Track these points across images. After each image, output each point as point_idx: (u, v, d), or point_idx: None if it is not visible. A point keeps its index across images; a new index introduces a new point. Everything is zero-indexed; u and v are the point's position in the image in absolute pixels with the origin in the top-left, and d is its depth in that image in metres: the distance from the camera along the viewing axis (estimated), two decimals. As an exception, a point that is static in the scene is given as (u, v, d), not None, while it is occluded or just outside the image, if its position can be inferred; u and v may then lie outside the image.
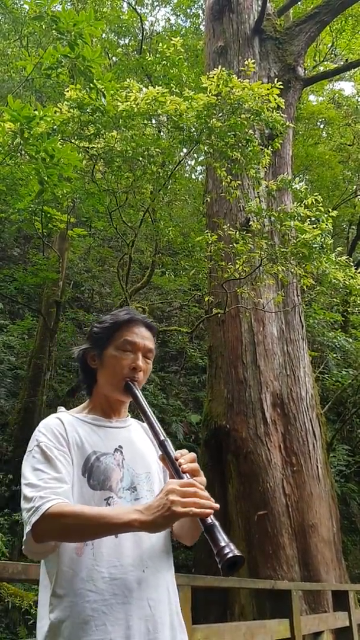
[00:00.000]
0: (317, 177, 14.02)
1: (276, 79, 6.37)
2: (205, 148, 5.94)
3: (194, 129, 5.71)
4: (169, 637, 1.33)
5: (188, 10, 15.06)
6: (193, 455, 1.34)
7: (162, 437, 1.37)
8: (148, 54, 11.01)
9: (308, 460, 6.07)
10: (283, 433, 6.19)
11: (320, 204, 5.91)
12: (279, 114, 5.98)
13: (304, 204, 5.96)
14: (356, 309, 10.71)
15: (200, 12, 14.57)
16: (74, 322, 11.53)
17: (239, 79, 5.82)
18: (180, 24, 15.60)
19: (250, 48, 8.56)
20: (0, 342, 9.96)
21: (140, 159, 5.72)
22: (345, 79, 16.47)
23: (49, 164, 4.60)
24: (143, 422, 1.55)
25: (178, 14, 15.53)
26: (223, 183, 6.35)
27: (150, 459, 1.52)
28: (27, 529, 1.25)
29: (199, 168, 15.42)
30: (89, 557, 1.31)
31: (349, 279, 6.24)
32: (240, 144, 5.86)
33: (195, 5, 14.78)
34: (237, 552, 1.14)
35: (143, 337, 1.56)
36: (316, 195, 6.04)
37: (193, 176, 15.92)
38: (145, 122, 5.87)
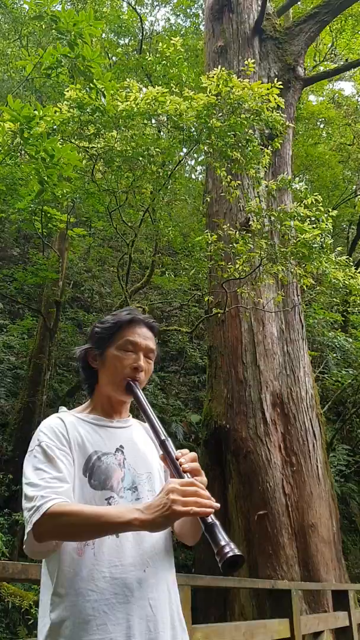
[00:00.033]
0: (317, 177, 14.03)
1: (276, 79, 6.36)
2: (205, 148, 5.94)
3: (194, 129, 5.72)
4: (170, 636, 1.33)
5: (188, 10, 15.07)
6: (194, 454, 1.34)
7: (163, 437, 1.38)
8: (148, 53, 11.01)
9: (308, 460, 6.07)
10: (283, 433, 6.20)
11: (320, 204, 5.91)
12: (278, 114, 5.99)
13: (304, 203, 5.96)
14: (356, 308, 10.73)
15: (200, 12, 14.58)
16: (74, 322, 11.53)
17: (239, 79, 5.82)
18: (180, 24, 15.62)
19: (250, 48, 8.56)
20: (0, 342, 9.96)
21: (140, 158, 5.72)
22: (345, 79, 16.48)
23: (49, 163, 4.60)
24: (144, 422, 1.55)
25: (178, 13, 15.54)
26: (223, 183, 6.34)
27: (151, 459, 1.52)
28: (28, 528, 1.25)
29: (199, 168, 15.44)
30: (90, 556, 1.31)
31: (349, 279, 6.24)
32: (240, 144, 5.86)
33: (195, 5, 14.79)
34: (237, 552, 1.14)
35: (145, 337, 1.57)
36: (316, 195, 6.04)
37: (193, 176, 15.94)
38: (145, 122, 5.86)
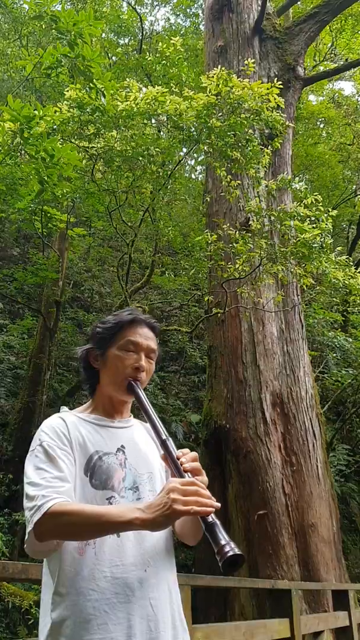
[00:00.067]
0: (316, 176, 14.03)
1: (276, 79, 6.36)
2: (205, 148, 5.94)
3: (193, 129, 5.72)
4: (171, 636, 1.33)
5: (188, 10, 15.07)
6: (195, 454, 1.34)
7: (164, 437, 1.38)
8: (148, 53, 11.01)
9: (308, 460, 6.07)
10: (283, 433, 6.20)
11: (320, 204, 5.91)
12: (278, 114, 5.99)
13: (304, 203, 5.96)
14: (356, 308, 10.73)
15: (200, 11, 14.58)
16: (74, 322, 11.53)
17: (239, 79, 5.82)
18: (180, 24, 15.63)
19: (250, 48, 8.56)
20: (0, 342, 9.96)
21: (140, 158, 5.72)
22: (345, 79, 16.47)
23: (49, 163, 4.60)
24: (145, 422, 1.55)
25: (178, 13, 15.55)
26: (223, 183, 6.35)
27: (152, 459, 1.53)
28: (29, 527, 1.25)
29: (199, 168, 15.43)
30: (91, 556, 1.31)
31: (349, 279, 6.24)
32: (240, 144, 5.86)
33: (195, 5, 14.79)
34: (237, 551, 1.14)
35: (146, 337, 1.57)
36: (316, 195, 6.04)
37: (193, 176, 15.94)
38: (145, 121, 5.86)
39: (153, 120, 6.49)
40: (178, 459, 1.31)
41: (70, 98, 5.38)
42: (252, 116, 5.75)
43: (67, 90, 5.46)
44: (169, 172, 6.48)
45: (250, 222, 6.39)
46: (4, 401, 9.09)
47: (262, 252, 6.03)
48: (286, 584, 4.28)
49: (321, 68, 13.69)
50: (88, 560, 1.30)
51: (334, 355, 10.27)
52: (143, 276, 9.55)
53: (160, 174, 6.35)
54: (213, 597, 5.72)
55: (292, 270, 6.36)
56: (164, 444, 1.37)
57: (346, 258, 6.42)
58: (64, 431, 1.44)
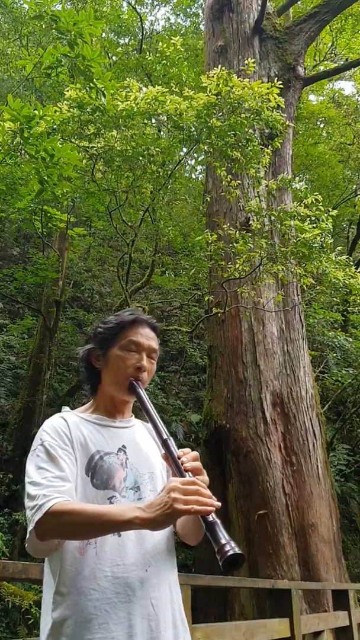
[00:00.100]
0: (317, 176, 14.03)
1: (276, 79, 6.36)
2: (205, 147, 5.94)
3: (194, 129, 5.72)
4: (172, 635, 1.34)
5: (188, 10, 15.07)
6: (196, 454, 1.35)
7: (165, 436, 1.38)
8: (148, 53, 11.01)
9: (308, 460, 6.07)
10: (283, 432, 6.20)
11: (320, 204, 5.91)
12: (278, 114, 5.98)
13: (304, 203, 5.96)
14: (356, 308, 10.73)
15: (200, 11, 14.58)
16: (74, 322, 11.53)
17: (239, 79, 5.82)
18: (180, 24, 15.63)
19: (250, 47, 8.56)
20: (0, 341, 9.96)
21: (140, 158, 5.72)
22: (345, 79, 16.47)
23: (49, 163, 4.60)
24: (146, 422, 1.55)
25: (178, 13, 15.54)
26: (223, 182, 6.34)
27: (153, 459, 1.53)
28: (31, 526, 1.25)
29: (199, 168, 15.42)
30: (92, 556, 1.31)
31: (349, 279, 6.24)
32: (240, 144, 5.86)
33: (195, 5, 14.79)
34: (237, 550, 1.14)
35: (148, 337, 1.58)
36: (316, 195, 6.04)
37: (193, 176, 15.92)
38: (145, 121, 5.86)
39: (153, 120, 6.48)
40: (179, 459, 1.32)
41: (70, 98, 5.38)
42: (252, 116, 5.75)
43: (67, 90, 5.46)
44: (169, 172, 6.48)
45: (251, 222, 6.39)
46: (4, 401, 9.09)
47: (262, 252, 6.03)
48: (286, 583, 4.29)
49: (321, 68, 13.69)
50: (89, 560, 1.31)
51: (334, 355, 10.27)
52: (143, 276, 9.55)
53: (161, 173, 6.34)
54: (213, 597, 5.72)
55: (292, 270, 6.36)
56: (165, 443, 1.37)
57: (346, 258, 6.43)
58: (66, 431, 1.44)
